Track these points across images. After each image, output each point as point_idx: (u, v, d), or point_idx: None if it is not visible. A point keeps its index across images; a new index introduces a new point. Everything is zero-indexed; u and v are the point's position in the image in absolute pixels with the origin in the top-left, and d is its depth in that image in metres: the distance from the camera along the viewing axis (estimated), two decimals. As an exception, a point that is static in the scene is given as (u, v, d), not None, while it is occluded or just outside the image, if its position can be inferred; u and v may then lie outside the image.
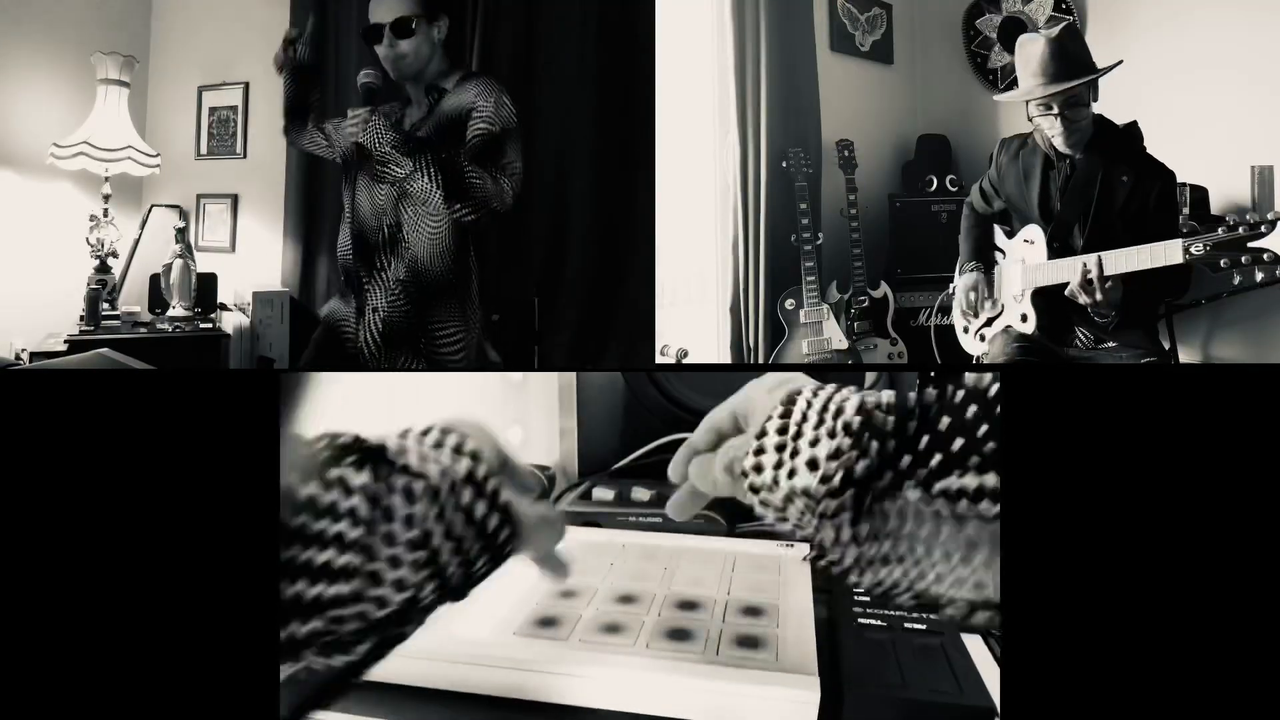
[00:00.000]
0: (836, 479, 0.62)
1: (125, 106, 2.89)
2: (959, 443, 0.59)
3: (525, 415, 1.42)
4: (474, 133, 1.85)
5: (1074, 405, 0.69)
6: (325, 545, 0.55)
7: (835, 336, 2.71)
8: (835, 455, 0.62)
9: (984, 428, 0.58)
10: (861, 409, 0.63)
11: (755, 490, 0.67)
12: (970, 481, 0.58)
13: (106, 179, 2.84)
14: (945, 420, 0.60)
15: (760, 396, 0.70)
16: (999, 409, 0.59)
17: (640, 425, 1.43)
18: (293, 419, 0.57)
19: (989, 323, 2.07)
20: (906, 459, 0.60)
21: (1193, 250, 1.66)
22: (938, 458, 0.59)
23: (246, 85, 3.17)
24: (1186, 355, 2.55)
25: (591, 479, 1.34)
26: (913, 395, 0.62)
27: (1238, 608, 0.66)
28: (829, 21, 2.95)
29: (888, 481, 0.61)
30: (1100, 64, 1.88)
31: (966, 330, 2.13)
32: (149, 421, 0.70)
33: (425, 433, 0.65)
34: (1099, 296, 1.73)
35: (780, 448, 0.65)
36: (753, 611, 0.87)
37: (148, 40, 3.26)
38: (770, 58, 2.71)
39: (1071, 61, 1.85)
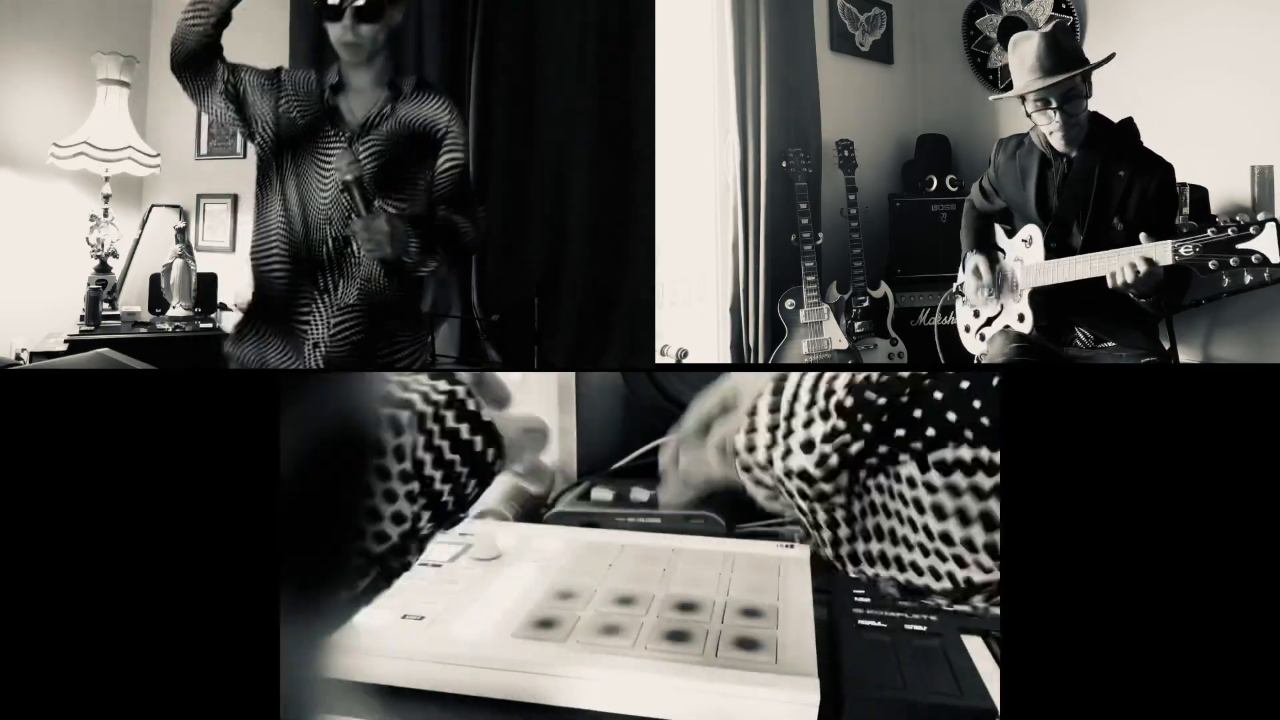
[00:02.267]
0: (832, 460, 0.61)
1: (125, 106, 2.89)
2: (952, 415, 0.58)
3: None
4: (449, 164, 1.64)
5: (1073, 406, 0.69)
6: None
7: (835, 336, 2.71)
8: (830, 437, 0.62)
9: (978, 401, 0.58)
10: (852, 388, 0.63)
11: (747, 469, 0.67)
12: (965, 453, 0.57)
13: (106, 179, 2.84)
14: (938, 393, 0.60)
15: (749, 379, 0.70)
16: (994, 382, 0.59)
17: (640, 425, 1.43)
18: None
19: (989, 322, 2.07)
20: (900, 430, 0.60)
21: (1182, 251, 1.65)
22: (932, 430, 0.59)
23: (246, 85, 3.16)
24: (1186, 355, 2.55)
25: (590, 479, 1.34)
26: (905, 371, 0.62)
27: (1237, 606, 0.66)
28: (829, 21, 2.95)
29: (882, 455, 0.60)
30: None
31: (969, 329, 2.13)
32: (149, 421, 0.70)
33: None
34: (1139, 287, 1.68)
35: (773, 427, 0.65)
36: (752, 613, 0.86)
37: (148, 40, 3.26)
38: (770, 58, 2.71)
39: (1066, 55, 1.86)
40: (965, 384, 0.59)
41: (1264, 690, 0.65)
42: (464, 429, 0.63)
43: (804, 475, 0.63)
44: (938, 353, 2.49)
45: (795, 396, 0.65)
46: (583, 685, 0.73)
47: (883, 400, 0.61)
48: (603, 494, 1.26)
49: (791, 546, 1.08)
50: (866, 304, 2.76)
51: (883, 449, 0.61)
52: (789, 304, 2.71)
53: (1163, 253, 1.67)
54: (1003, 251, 2.07)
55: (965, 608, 0.62)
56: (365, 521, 0.58)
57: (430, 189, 1.65)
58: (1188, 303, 2.37)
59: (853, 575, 0.65)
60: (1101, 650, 0.66)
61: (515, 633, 0.81)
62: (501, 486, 1.27)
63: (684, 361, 2.61)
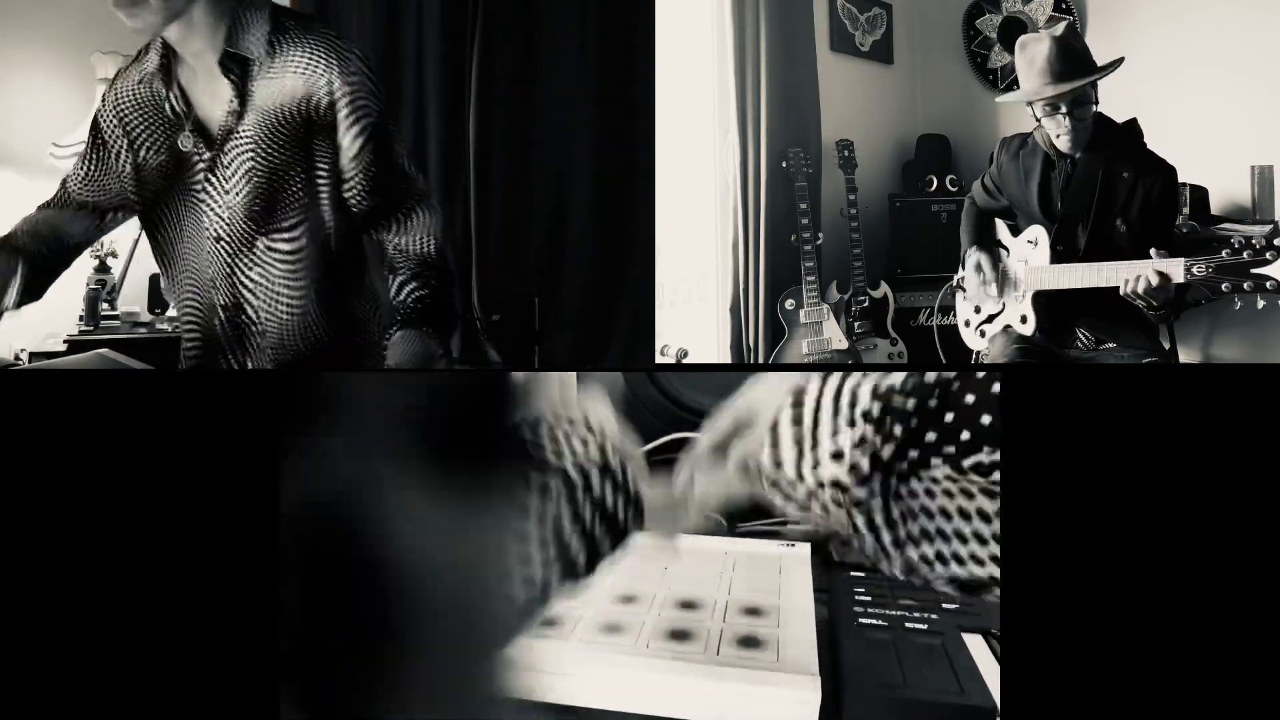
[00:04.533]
0: (863, 466, 0.61)
1: (125, 106, 2.89)
2: (987, 418, 0.58)
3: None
4: (361, 140, 1.12)
5: (1074, 406, 0.69)
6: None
7: (835, 336, 2.71)
8: (859, 444, 0.61)
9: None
10: (876, 394, 0.62)
11: (774, 485, 0.66)
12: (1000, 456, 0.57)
13: (106, 179, 2.84)
14: (970, 396, 0.59)
15: (763, 395, 0.69)
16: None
17: (640, 425, 1.43)
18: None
19: (990, 319, 2.07)
20: (932, 434, 0.60)
21: (1195, 271, 1.64)
22: (966, 434, 0.58)
23: (246, 85, 3.16)
24: (1186, 355, 2.55)
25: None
26: (930, 374, 0.61)
27: (1237, 607, 0.66)
28: (829, 21, 2.95)
29: (915, 458, 0.60)
30: (1099, 64, 1.87)
31: (969, 324, 2.13)
32: (149, 421, 0.70)
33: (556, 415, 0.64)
34: (1153, 302, 1.69)
35: (798, 441, 0.64)
36: (753, 611, 0.86)
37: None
38: (770, 58, 2.71)
39: (1077, 60, 1.85)
40: (996, 387, 0.59)
41: (1264, 690, 0.65)
42: (608, 497, 0.63)
43: (837, 484, 0.62)
44: (938, 352, 2.50)
45: (818, 408, 0.64)
46: (584, 683, 0.73)
47: (911, 404, 0.61)
48: (603, 493, 1.26)
49: (792, 545, 1.08)
50: (866, 304, 2.76)
51: (914, 454, 0.60)
52: (789, 304, 2.71)
53: (1175, 269, 1.66)
54: (1006, 249, 2.07)
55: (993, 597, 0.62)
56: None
57: (337, 197, 1.15)
58: (1188, 302, 2.37)
59: (901, 578, 0.64)
60: (1101, 649, 0.66)
61: (516, 631, 0.81)
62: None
63: (684, 361, 2.61)
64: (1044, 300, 1.93)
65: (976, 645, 0.83)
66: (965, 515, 0.58)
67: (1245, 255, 1.62)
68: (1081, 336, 1.95)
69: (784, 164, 2.72)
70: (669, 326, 2.71)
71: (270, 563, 0.63)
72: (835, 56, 2.96)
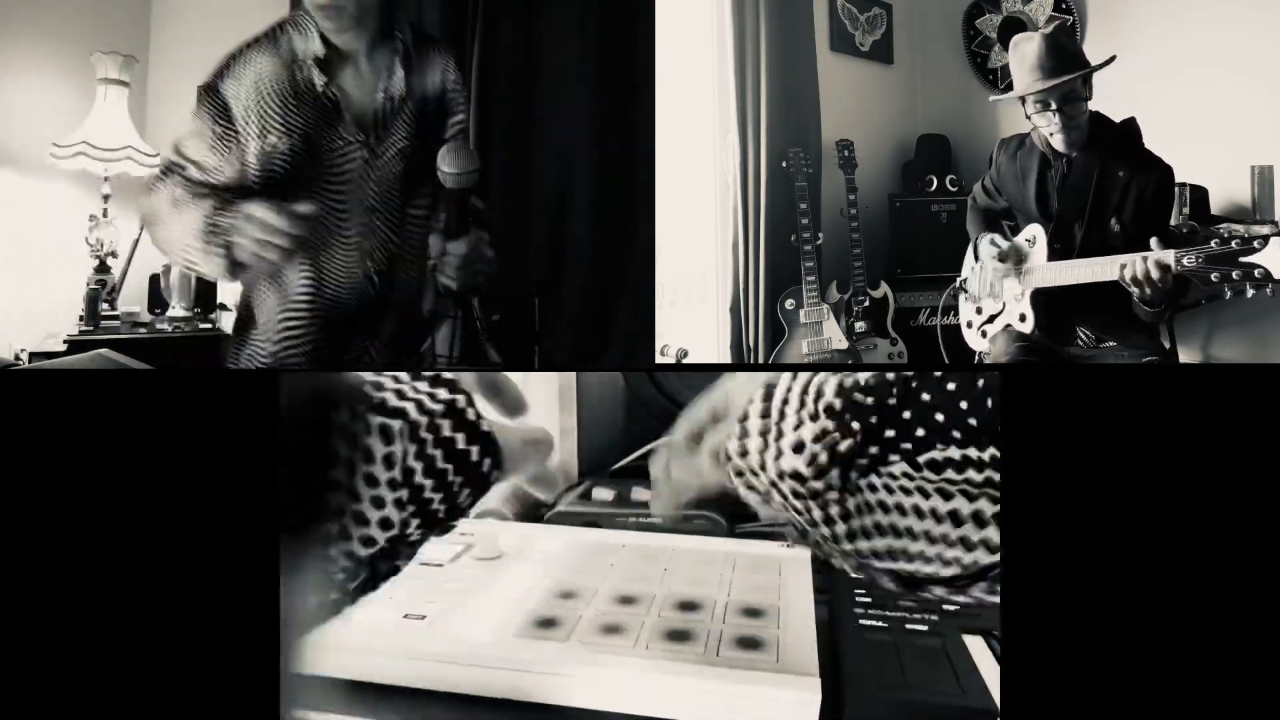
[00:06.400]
0: (822, 459, 0.62)
1: (125, 106, 2.89)
2: (940, 416, 0.59)
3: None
4: (458, 127, 1.38)
5: (1074, 405, 0.69)
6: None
7: (835, 336, 2.71)
8: (819, 437, 0.63)
9: (964, 403, 0.59)
10: (840, 390, 0.64)
11: (739, 474, 0.67)
12: (955, 453, 0.58)
13: (106, 179, 2.84)
14: (926, 395, 0.61)
15: (738, 387, 0.70)
16: (979, 384, 0.60)
17: (640, 425, 1.43)
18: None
19: (991, 319, 2.07)
20: (890, 431, 0.61)
21: (1184, 262, 1.65)
22: (921, 431, 0.59)
23: (246, 85, 3.16)
24: (1186, 355, 2.55)
25: (591, 479, 1.34)
26: (891, 373, 0.63)
27: (1237, 607, 0.66)
28: (829, 21, 2.95)
29: (873, 455, 0.61)
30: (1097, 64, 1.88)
31: (970, 325, 2.13)
32: (149, 421, 0.70)
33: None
34: (1148, 291, 1.68)
35: (764, 432, 0.65)
36: (753, 612, 0.86)
37: (148, 40, 3.25)
38: (770, 58, 2.71)
39: (1067, 57, 1.85)
40: (951, 385, 0.60)
41: (1265, 691, 0.65)
42: (460, 438, 0.63)
43: (796, 475, 0.63)
44: (941, 352, 2.49)
45: (785, 401, 0.66)
46: (584, 684, 0.73)
47: (870, 401, 0.62)
48: (603, 494, 1.26)
49: (792, 547, 1.08)
50: (866, 304, 2.76)
51: (873, 449, 0.61)
52: (789, 304, 2.71)
53: (1166, 260, 1.67)
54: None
55: (963, 598, 0.63)
56: (352, 525, 0.58)
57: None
58: (1188, 303, 2.37)
59: (852, 573, 0.65)
60: (1102, 650, 0.66)
61: (517, 632, 0.81)
62: (502, 487, 1.27)
63: (684, 361, 2.61)
64: (1042, 298, 1.93)
65: (977, 647, 0.83)
66: (919, 513, 0.60)
67: (1235, 244, 1.62)
68: (1081, 335, 1.95)
69: (784, 164, 2.72)
70: (669, 326, 2.71)
71: (270, 562, 0.63)
72: (835, 56, 2.96)
